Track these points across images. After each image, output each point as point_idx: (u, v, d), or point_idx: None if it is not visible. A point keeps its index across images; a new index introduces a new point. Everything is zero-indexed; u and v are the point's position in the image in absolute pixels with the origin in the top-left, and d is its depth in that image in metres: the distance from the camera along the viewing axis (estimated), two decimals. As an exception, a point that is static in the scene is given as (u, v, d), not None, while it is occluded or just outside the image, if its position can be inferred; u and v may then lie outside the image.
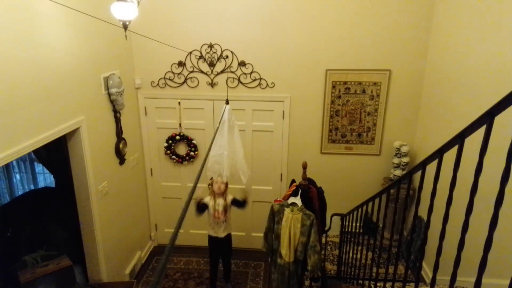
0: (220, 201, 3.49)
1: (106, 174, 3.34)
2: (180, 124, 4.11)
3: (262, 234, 3.12)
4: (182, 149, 4.23)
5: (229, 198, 3.56)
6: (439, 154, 1.59)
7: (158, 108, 4.10)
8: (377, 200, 2.62)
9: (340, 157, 4.15)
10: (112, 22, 2.39)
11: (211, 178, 3.44)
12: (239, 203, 3.54)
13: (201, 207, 3.49)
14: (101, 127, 3.24)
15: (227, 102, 3.06)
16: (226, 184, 3.51)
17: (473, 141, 1.45)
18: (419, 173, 1.82)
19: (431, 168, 1.70)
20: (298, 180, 3.03)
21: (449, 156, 1.56)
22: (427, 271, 3.61)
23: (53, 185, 4.18)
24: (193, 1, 3.71)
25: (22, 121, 2.24)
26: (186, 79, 3.96)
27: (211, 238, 3.64)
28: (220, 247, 3.68)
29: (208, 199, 3.53)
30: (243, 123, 4.00)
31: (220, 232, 3.57)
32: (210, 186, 3.54)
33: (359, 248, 3.07)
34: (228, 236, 3.67)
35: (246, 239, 4.52)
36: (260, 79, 3.91)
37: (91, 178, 3.06)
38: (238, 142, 3.22)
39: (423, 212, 2.48)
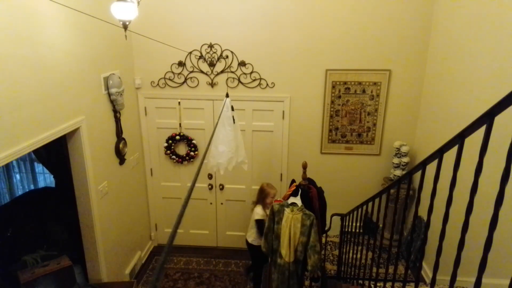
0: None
1: (106, 174, 3.34)
2: (180, 124, 4.11)
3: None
4: (182, 149, 4.23)
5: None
6: (439, 154, 1.59)
7: (158, 108, 4.10)
8: (377, 200, 2.63)
9: (340, 157, 4.15)
10: (112, 22, 2.39)
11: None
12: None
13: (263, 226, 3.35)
14: (101, 127, 3.24)
15: (227, 96, 3.04)
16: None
17: (473, 141, 1.45)
18: (419, 173, 1.82)
19: (431, 168, 1.70)
20: (298, 180, 3.03)
21: (449, 156, 1.56)
22: (427, 271, 3.61)
23: (53, 185, 4.18)
24: (193, 1, 3.71)
25: (22, 121, 2.24)
26: (186, 79, 3.96)
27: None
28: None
29: (263, 214, 3.47)
30: (243, 123, 3.99)
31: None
32: (260, 200, 3.49)
33: (359, 248, 3.07)
34: None
35: (246, 239, 4.52)
36: (260, 79, 3.91)
37: (91, 178, 3.05)
38: (239, 133, 3.21)
39: (423, 212, 2.48)
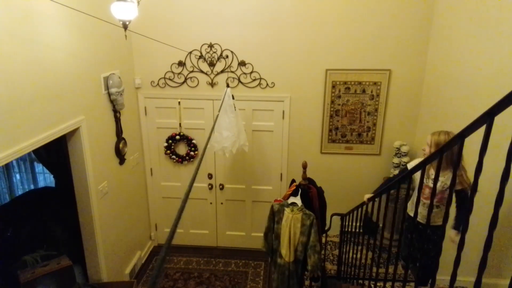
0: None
1: (106, 174, 3.34)
2: (180, 124, 4.11)
3: (262, 234, 3.12)
4: (182, 149, 4.23)
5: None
6: (439, 154, 1.59)
7: (158, 108, 4.10)
8: (377, 200, 2.62)
9: (340, 157, 4.15)
10: (112, 22, 2.39)
11: None
12: None
13: None
14: (101, 127, 3.24)
15: (227, 86, 3.32)
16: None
17: (473, 141, 1.45)
18: (419, 173, 1.82)
19: (431, 168, 1.70)
20: (298, 180, 3.03)
21: (449, 156, 1.56)
22: (427, 271, 3.61)
23: (53, 185, 4.18)
24: (193, 1, 3.71)
25: (22, 121, 2.24)
26: (186, 79, 3.96)
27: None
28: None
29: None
30: (243, 123, 3.98)
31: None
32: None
33: (359, 248, 3.07)
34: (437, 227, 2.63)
35: (246, 239, 4.52)
36: (260, 79, 3.91)
37: (91, 178, 3.05)
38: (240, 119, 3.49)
39: (423, 212, 2.47)
